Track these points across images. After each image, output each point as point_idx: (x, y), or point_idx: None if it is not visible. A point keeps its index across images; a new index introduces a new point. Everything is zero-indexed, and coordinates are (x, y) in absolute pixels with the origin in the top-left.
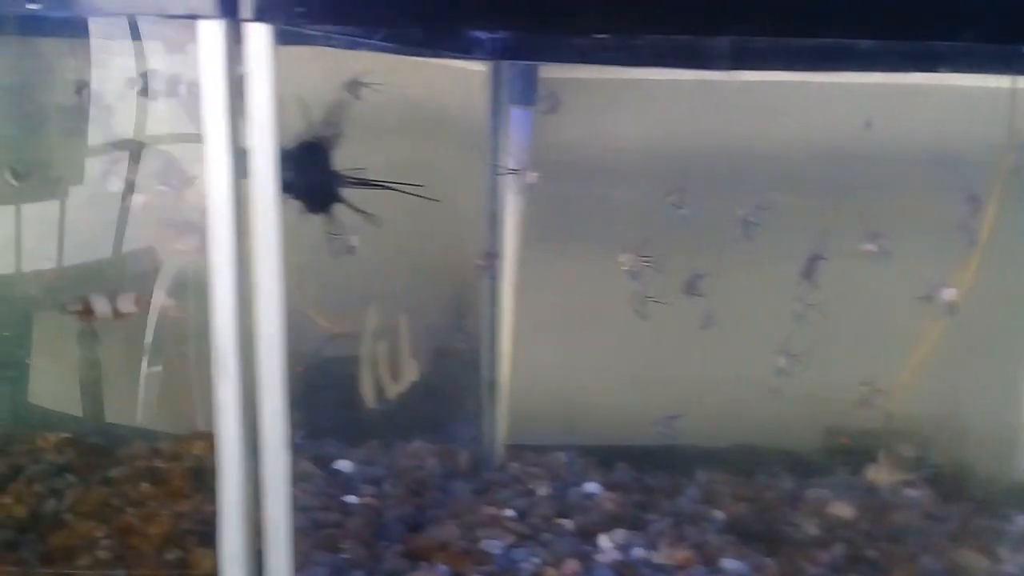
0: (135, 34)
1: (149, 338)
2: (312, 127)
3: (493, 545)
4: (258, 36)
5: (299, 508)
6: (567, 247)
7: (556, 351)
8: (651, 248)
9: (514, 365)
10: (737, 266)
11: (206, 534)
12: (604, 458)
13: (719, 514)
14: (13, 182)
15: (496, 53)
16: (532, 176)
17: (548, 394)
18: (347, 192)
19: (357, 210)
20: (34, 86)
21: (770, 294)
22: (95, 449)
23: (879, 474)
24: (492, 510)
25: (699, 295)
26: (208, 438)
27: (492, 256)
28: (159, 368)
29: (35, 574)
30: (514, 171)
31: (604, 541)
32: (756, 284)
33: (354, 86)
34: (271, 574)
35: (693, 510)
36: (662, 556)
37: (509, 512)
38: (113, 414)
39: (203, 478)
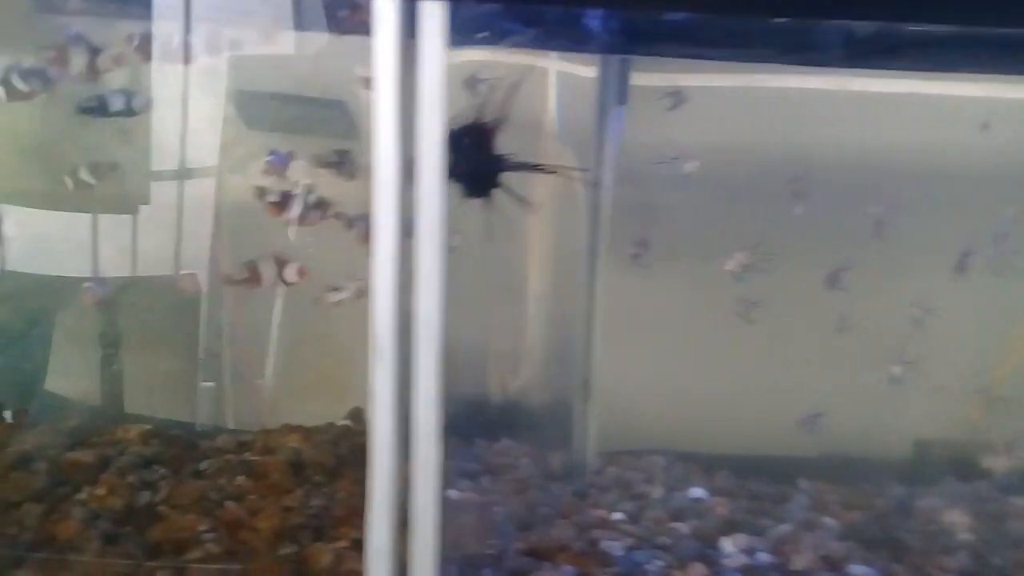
0: None
1: (223, 330)
2: (476, 110)
3: (613, 547)
4: (432, 14)
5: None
6: (667, 248)
7: (649, 354)
8: (759, 251)
9: (607, 367)
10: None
11: (319, 529)
12: (702, 464)
13: (831, 521)
14: (91, 180)
15: (609, 47)
16: (691, 164)
17: (640, 399)
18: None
19: (514, 195)
20: None
21: (882, 299)
22: (179, 441)
23: (996, 461)
24: (600, 512)
25: (841, 289)
26: (300, 431)
27: (643, 245)
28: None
29: (146, 567)
30: (673, 159)
31: (727, 545)
32: (869, 289)
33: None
34: (415, 569)
35: (805, 517)
36: (788, 560)
37: (618, 515)
38: (183, 409)
39: (302, 472)
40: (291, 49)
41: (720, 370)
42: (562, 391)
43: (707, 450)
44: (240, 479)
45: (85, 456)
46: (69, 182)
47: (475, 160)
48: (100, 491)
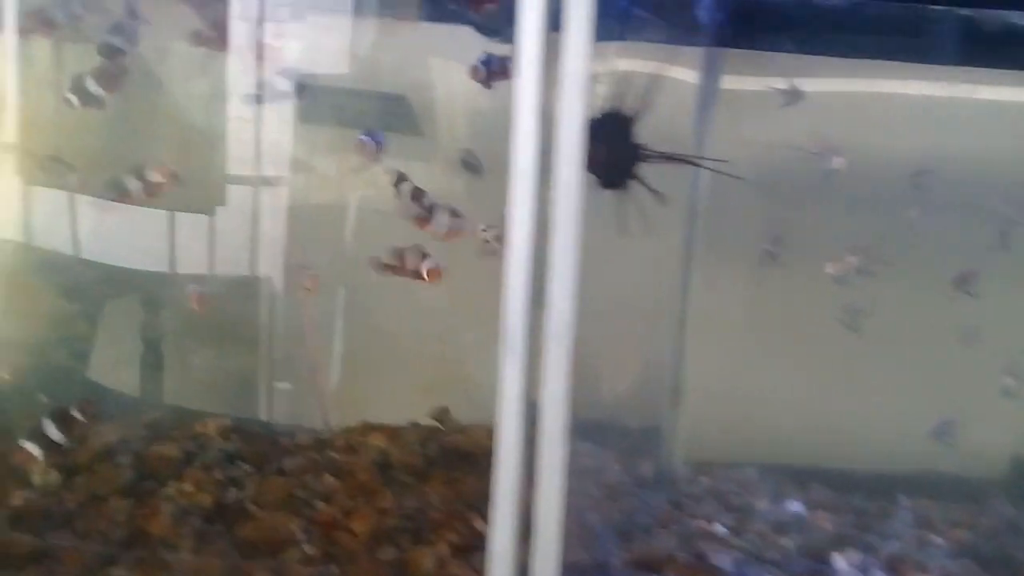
0: None
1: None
2: (617, 99)
3: (722, 560)
4: (580, 3)
5: None
6: (762, 251)
7: (741, 360)
8: (871, 255)
9: (697, 374)
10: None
11: (416, 532)
12: (793, 476)
13: (939, 539)
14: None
15: (718, 40)
16: (839, 161)
17: (729, 407)
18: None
19: (648, 188)
20: None
21: (996, 308)
22: (259, 437)
23: None
24: (700, 523)
25: (970, 294)
26: (383, 430)
27: (773, 252)
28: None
29: (242, 567)
30: (815, 153)
31: (840, 562)
32: (986, 298)
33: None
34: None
35: (913, 534)
36: None
37: (719, 527)
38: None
39: (389, 472)
40: (355, 39)
41: (815, 380)
42: (650, 396)
43: (796, 462)
44: (326, 478)
45: (169, 450)
46: (135, 182)
47: (613, 150)
48: (187, 486)
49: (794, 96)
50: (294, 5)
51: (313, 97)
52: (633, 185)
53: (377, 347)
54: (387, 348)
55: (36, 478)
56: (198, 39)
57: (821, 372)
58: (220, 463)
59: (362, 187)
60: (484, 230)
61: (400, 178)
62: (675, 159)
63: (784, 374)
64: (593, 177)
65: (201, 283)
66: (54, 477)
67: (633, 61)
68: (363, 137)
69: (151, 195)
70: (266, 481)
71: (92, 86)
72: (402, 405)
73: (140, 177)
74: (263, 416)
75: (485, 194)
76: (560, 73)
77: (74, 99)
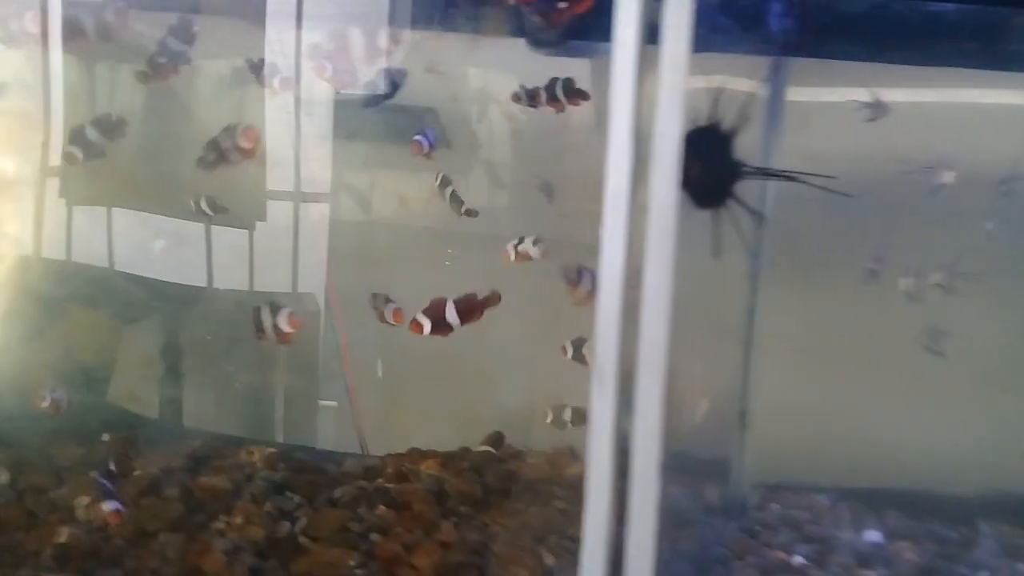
0: None
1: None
2: (713, 113)
3: None
4: (678, 12)
5: None
6: (832, 268)
7: (810, 381)
8: (951, 271)
9: (765, 395)
10: None
11: (482, 568)
12: (865, 502)
13: None
14: (209, 212)
15: (786, 48)
16: (949, 175)
17: (798, 429)
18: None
19: (747, 207)
20: None
21: None
22: (306, 466)
23: None
24: (779, 555)
25: None
26: (435, 457)
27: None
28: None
29: None
30: (928, 168)
31: None
32: None
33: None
34: None
35: (1002, 565)
36: None
37: (798, 558)
38: (301, 432)
39: (446, 502)
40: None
41: (887, 399)
42: (717, 418)
43: (864, 484)
44: (380, 508)
45: (218, 481)
46: (193, 206)
47: (710, 166)
48: (238, 519)
49: (879, 109)
50: (341, 21)
51: (346, 112)
52: (729, 204)
53: (418, 370)
54: (428, 372)
55: (81, 512)
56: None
57: (894, 391)
58: (269, 494)
59: (404, 203)
60: (517, 244)
61: (444, 181)
62: (777, 175)
63: (854, 394)
64: (687, 196)
65: (288, 305)
66: (100, 512)
67: (716, 74)
68: (418, 137)
69: (246, 157)
70: (318, 513)
71: (93, 135)
72: (445, 430)
73: (232, 142)
74: (307, 441)
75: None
76: (657, 87)
77: (77, 152)
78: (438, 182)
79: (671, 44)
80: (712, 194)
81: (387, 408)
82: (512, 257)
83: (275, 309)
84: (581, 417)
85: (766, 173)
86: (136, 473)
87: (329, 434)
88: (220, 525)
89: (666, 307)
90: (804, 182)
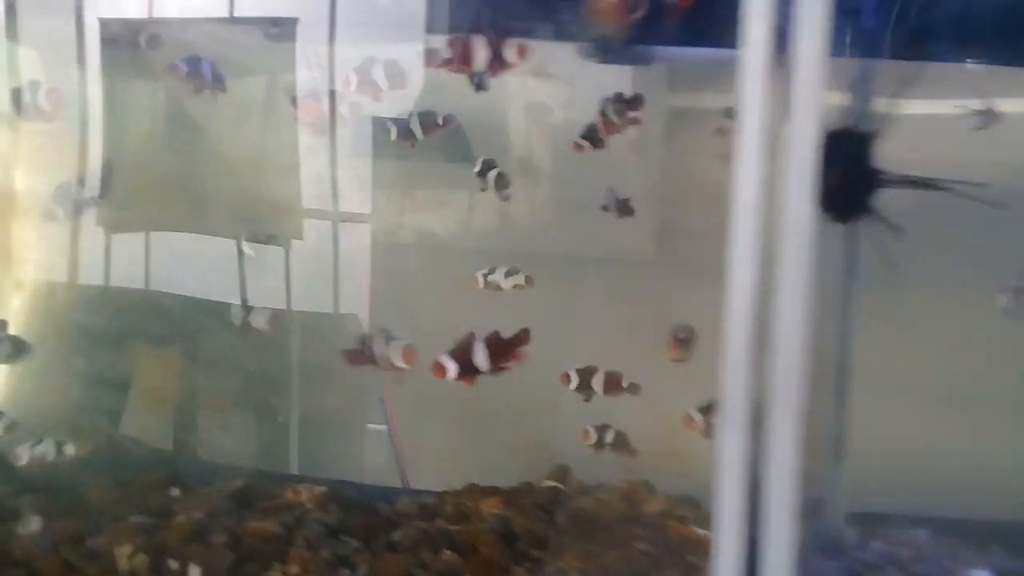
0: None
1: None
2: (849, 116)
3: None
4: (813, 13)
5: None
6: (926, 286)
7: (906, 407)
8: None
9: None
10: None
11: None
12: (961, 533)
13: None
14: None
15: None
16: None
17: (894, 460)
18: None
19: (887, 221)
20: None
21: None
22: (358, 506)
23: None
24: None
25: None
26: (496, 494)
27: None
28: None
29: None
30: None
31: None
32: None
33: None
34: None
35: None
36: None
37: None
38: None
39: (514, 544)
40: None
41: (982, 427)
42: (809, 448)
43: (957, 515)
44: (445, 553)
45: (267, 526)
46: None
47: (848, 175)
48: (294, 569)
49: (991, 117)
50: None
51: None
52: (867, 217)
53: (462, 401)
54: (472, 401)
55: (123, 563)
56: None
57: (996, 419)
58: (324, 538)
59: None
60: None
61: (487, 165)
62: (925, 185)
63: (953, 422)
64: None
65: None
66: (141, 560)
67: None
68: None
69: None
70: (379, 559)
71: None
72: (496, 462)
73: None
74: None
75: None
76: (791, 91)
77: (59, 211)
78: (478, 169)
79: (806, 40)
80: (849, 206)
81: (430, 439)
82: (481, 284)
83: (388, 338)
84: (623, 442)
85: (910, 182)
86: (179, 518)
87: (375, 465)
88: (275, 575)
89: (802, 335)
90: (952, 191)
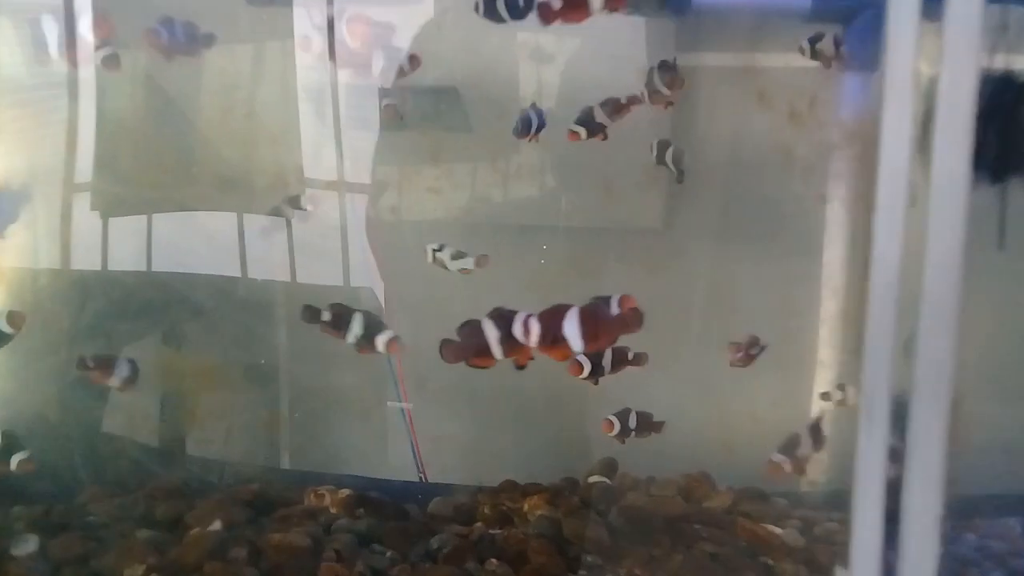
0: None
1: None
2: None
3: None
4: None
5: None
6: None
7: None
8: None
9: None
10: None
11: None
12: None
13: None
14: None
15: None
16: None
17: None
18: None
19: None
20: None
21: None
22: (388, 510)
23: None
24: None
25: None
26: (538, 492)
27: None
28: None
29: None
30: None
31: None
32: None
33: None
34: None
35: None
36: None
37: None
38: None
39: (567, 548)
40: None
41: None
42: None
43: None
44: (492, 562)
45: (292, 537)
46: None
47: (1008, 131)
48: None
49: None
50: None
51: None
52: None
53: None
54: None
55: None
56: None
57: None
58: (356, 549)
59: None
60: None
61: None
62: None
63: None
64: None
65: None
66: None
67: None
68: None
69: None
70: (419, 572)
71: None
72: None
73: None
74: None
75: None
76: (945, 28)
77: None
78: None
79: None
80: (1008, 164)
81: (454, 431)
82: (430, 259)
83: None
84: (647, 422)
85: None
86: (193, 531)
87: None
88: None
89: (952, 319)
90: None
